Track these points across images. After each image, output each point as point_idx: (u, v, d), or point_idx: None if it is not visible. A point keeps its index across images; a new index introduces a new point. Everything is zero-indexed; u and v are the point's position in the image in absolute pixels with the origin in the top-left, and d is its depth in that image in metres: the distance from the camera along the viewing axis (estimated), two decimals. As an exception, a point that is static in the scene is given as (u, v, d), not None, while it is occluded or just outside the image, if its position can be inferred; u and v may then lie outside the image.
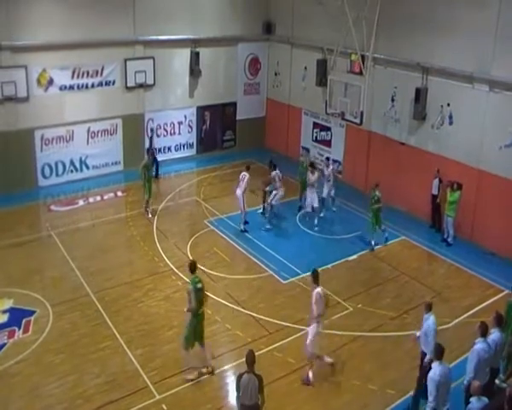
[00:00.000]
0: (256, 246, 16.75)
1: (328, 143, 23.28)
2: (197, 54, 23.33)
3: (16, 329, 12.64)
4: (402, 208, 19.20)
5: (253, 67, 25.85)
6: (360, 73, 19.44)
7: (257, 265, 15.87)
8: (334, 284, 14.95)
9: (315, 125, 23.83)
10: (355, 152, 21.79)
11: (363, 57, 19.31)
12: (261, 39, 25.56)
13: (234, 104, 25.55)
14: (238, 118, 25.77)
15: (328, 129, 23.13)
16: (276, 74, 25.83)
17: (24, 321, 12.90)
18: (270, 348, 12.31)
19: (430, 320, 10.37)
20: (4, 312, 13.26)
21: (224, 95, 25.07)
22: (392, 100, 19.94)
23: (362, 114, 18.86)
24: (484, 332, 9.77)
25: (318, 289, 11.17)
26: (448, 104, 17.91)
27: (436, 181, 17.85)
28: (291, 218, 18.98)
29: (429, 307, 10.52)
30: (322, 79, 22.02)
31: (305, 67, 23.62)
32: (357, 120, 19.23)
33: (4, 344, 12.14)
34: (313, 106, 23.41)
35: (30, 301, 13.62)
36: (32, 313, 13.23)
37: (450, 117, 17.93)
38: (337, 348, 12.36)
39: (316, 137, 23.90)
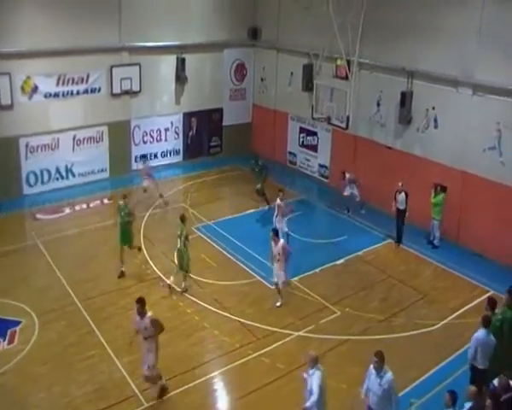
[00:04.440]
0: (244, 252, 16.72)
1: (314, 148, 23.36)
2: (183, 60, 23.31)
3: (1, 340, 12.49)
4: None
5: (239, 73, 25.88)
6: (346, 78, 19.58)
7: (245, 271, 15.84)
8: (321, 287, 15.02)
9: (301, 130, 23.90)
10: (341, 157, 21.85)
11: (348, 62, 19.45)
12: (247, 45, 25.60)
13: (220, 110, 25.55)
14: (224, 124, 25.77)
15: (315, 134, 23.21)
16: (262, 80, 25.88)
17: (9, 332, 12.75)
18: (259, 353, 12.29)
19: (315, 376, 9.07)
20: (-11, 322, 13.13)
21: (210, 101, 25.05)
22: (378, 104, 20.04)
23: (348, 118, 18.99)
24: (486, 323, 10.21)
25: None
26: (433, 108, 18.04)
27: (402, 195, 17.07)
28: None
29: (315, 361, 9.20)
30: (308, 84, 22.09)
31: (292, 73, 23.68)
32: (344, 125, 19.34)
33: (-11, 355, 12.02)
34: (299, 111, 23.48)
35: (15, 312, 13.46)
36: (18, 323, 13.08)
37: (435, 120, 18.06)
38: (325, 352, 12.32)
39: (302, 142, 23.96)
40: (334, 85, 20.04)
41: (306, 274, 15.71)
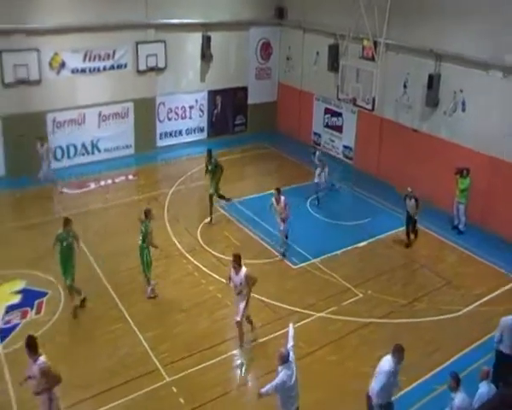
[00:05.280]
0: (266, 231, 16.75)
1: (339, 129, 23.19)
2: (208, 38, 23.24)
3: (29, 309, 12.80)
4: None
5: (265, 52, 25.71)
6: (372, 59, 19.35)
7: (267, 250, 15.90)
8: (343, 270, 15.00)
9: (326, 110, 23.73)
10: (367, 138, 21.67)
11: (375, 43, 19.22)
12: (273, 24, 25.40)
13: (245, 89, 25.46)
14: (249, 102, 25.70)
15: (340, 115, 23.02)
16: (287, 59, 25.69)
17: (36, 302, 13.05)
18: (280, 332, 12.31)
19: (282, 373, 8.62)
20: (17, 292, 13.42)
21: (235, 79, 24.98)
22: (405, 86, 19.78)
23: (374, 99, 18.79)
24: None
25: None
26: (461, 91, 17.74)
27: (412, 202, 16.00)
28: (301, 203, 18.90)
29: (282, 360, 8.68)
30: (334, 65, 21.88)
31: (317, 53, 23.46)
32: (369, 106, 19.15)
33: (17, 325, 12.29)
34: (325, 91, 23.28)
35: (42, 283, 13.75)
36: (45, 294, 13.38)
37: (463, 104, 17.76)
38: (347, 334, 12.40)
39: (327, 123, 23.80)
40: (361, 66, 19.83)
41: (328, 255, 15.71)
